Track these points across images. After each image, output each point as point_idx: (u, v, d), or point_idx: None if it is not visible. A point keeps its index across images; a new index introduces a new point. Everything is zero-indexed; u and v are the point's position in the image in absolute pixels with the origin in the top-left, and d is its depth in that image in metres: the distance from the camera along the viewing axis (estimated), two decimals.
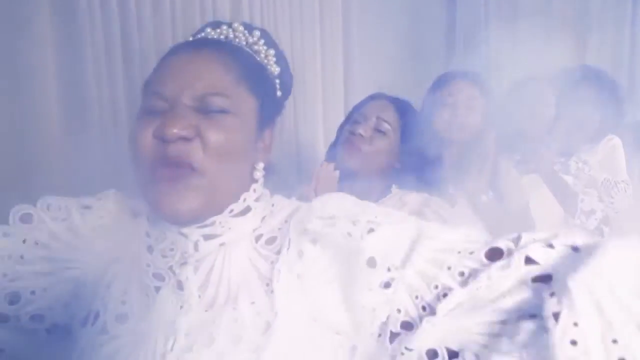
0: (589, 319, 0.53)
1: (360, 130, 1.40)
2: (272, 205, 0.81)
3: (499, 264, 0.62)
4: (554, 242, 0.60)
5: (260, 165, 0.80)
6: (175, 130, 0.70)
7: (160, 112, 0.73)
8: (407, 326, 0.66)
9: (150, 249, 0.78)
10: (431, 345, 0.64)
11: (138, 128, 0.74)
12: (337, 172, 1.34)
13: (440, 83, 1.65)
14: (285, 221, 0.77)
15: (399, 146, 1.42)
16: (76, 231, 0.81)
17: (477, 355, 0.62)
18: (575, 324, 0.53)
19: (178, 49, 0.79)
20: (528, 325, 0.58)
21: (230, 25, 0.82)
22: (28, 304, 0.78)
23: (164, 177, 0.71)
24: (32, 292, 0.78)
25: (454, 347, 0.64)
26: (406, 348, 0.66)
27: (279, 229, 0.77)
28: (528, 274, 0.60)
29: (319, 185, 1.28)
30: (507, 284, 0.61)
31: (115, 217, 0.83)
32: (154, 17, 1.50)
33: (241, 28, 0.82)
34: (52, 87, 1.34)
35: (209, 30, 0.83)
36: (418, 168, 1.40)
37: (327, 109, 1.99)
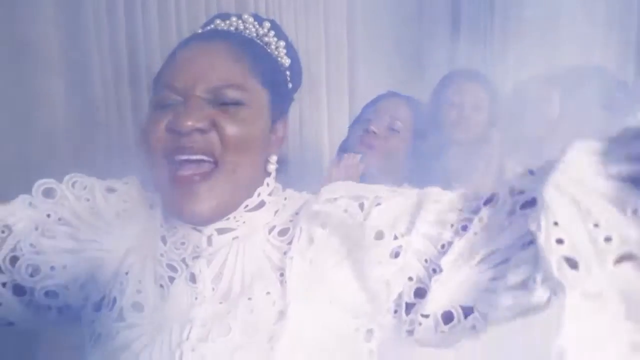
0: (566, 214, 0.54)
1: (374, 128, 1.40)
2: (285, 199, 0.81)
3: (488, 205, 0.64)
4: (534, 169, 0.62)
5: (274, 158, 0.79)
6: (190, 123, 0.70)
7: (173, 105, 0.72)
8: (421, 294, 0.67)
9: (164, 239, 0.77)
10: (445, 307, 0.66)
11: (150, 122, 0.74)
12: (363, 166, 1.35)
13: (447, 82, 1.65)
14: (297, 213, 0.77)
15: (411, 145, 1.42)
16: (99, 213, 0.81)
17: (490, 305, 0.63)
18: (556, 223, 0.53)
19: (189, 41, 0.78)
20: (528, 253, 0.59)
21: (239, 17, 0.82)
22: (46, 279, 0.77)
23: (183, 179, 0.71)
24: (52, 268, 0.77)
25: (467, 303, 0.65)
26: (422, 315, 0.67)
27: (291, 221, 0.77)
28: (516, 204, 0.61)
29: (345, 173, 1.29)
30: (499, 220, 0.62)
31: (137, 204, 0.83)
32: (159, 10, 1.50)
33: (251, 19, 0.82)
34: (59, 85, 1.34)
35: (218, 21, 0.82)
36: (427, 167, 1.40)
37: (331, 101, 1.98)
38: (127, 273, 0.77)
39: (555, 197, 0.55)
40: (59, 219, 0.79)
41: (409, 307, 0.68)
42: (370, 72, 2.01)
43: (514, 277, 0.59)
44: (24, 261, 0.76)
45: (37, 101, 1.30)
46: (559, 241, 0.53)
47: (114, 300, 0.75)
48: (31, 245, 0.77)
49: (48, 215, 0.79)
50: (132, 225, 0.81)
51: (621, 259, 0.52)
